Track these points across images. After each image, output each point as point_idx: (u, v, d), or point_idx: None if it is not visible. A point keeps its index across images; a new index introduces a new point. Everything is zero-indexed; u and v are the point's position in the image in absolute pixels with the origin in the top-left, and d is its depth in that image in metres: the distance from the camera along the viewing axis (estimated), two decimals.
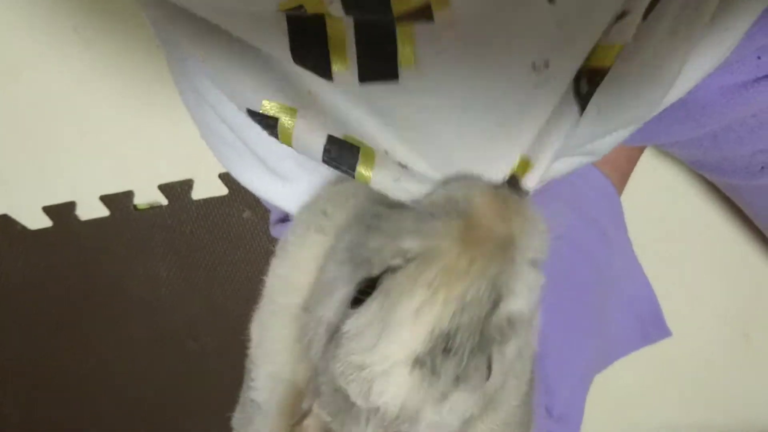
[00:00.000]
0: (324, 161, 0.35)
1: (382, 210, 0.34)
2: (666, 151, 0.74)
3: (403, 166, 0.35)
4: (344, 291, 0.32)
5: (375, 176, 0.35)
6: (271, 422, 0.36)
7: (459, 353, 0.29)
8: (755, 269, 0.77)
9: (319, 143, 0.35)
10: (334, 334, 0.32)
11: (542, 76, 0.31)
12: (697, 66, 0.38)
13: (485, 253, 0.29)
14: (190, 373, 0.92)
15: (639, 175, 0.73)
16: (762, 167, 0.53)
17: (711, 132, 0.52)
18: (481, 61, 0.31)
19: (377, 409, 0.30)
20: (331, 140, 0.35)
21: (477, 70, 0.31)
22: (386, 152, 0.35)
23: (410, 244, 0.30)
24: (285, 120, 0.35)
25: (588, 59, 0.32)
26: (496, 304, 0.30)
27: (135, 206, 0.87)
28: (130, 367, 0.93)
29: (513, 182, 0.35)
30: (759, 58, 0.46)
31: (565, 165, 0.41)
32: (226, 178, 0.82)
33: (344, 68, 0.32)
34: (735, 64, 0.46)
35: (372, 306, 0.30)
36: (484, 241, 0.30)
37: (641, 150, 0.72)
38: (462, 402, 0.30)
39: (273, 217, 0.70)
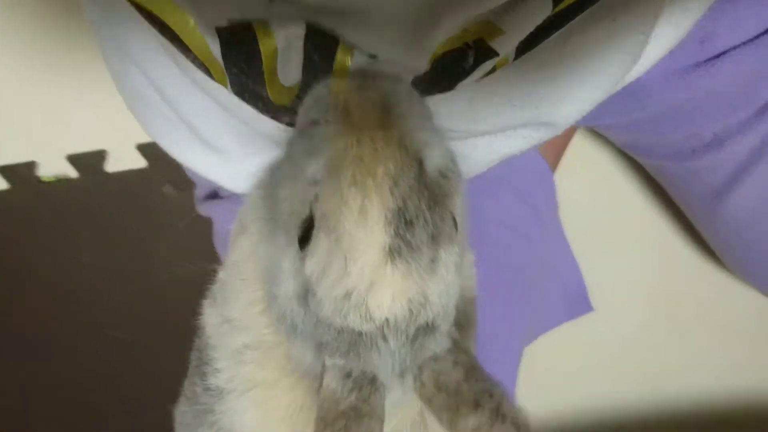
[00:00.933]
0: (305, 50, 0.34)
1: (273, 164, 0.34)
2: (594, 133, 0.76)
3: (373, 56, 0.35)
4: (289, 256, 0.31)
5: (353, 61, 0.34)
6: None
7: (419, 216, 0.29)
8: (677, 248, 0.81)
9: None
10: (307, 294, 0.31)
11: None
12: (657, 44, 0.38)
13: (375, 124, 0.29)
14: (116, 366, 0.85)
15: (568, 154, 0.74)
16: (693, 150, 0.55)
17: (650, 115, 0.53)
18: None
19: (388, 322, 0.29)
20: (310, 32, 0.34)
21: None
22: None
23: (313, 167, 0.30)
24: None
25: None
26: (420, 162, 0.30)
27: (39, 179, 0.79)
28: (47, 364, 0.85)
29: (480, 45, 0.35)
30: (701, 43, 0.47)
31: (525, 141, 0.40)
32: (145, 149, 0.76)
33: None
34: (678, 49, 0.47)
35: (319, 236, 0.29)
36: (366, 116, 0.30)
37: (574, 129, 0.74)
38: (450, 256, 0.30)
39: (200, 192, 0.66)
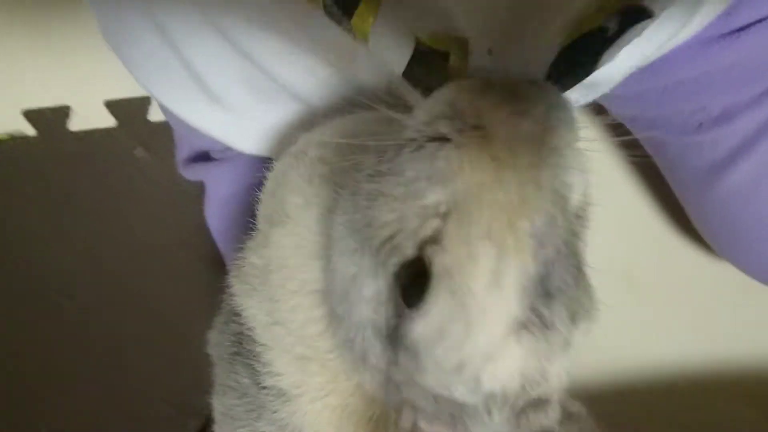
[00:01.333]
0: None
1: (368, 164, 0.27)
2: None
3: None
4: (375, 286, 0.26)
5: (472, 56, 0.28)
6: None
7: (563, 290, 0.24)
8: (636, 214, 0.82)
9: None
10: (391, 336, 0.26)
11: None
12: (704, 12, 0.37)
13: (526, 163, 0.23)
14: (64, 337, 0.79)
15: None
16: (700, 124, 0.55)
17: (662, 86, 0.53)
18: None
19: (496, 395, 0.25)
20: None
21: None
22: None
23: (434, 197, 0.24)
24: None
25: None
26: (564, 209, 0.24)
27: None
28: None
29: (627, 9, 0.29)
30: (727, 15, 0.47)
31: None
32: (114, 106, 0.70)
33: None
34: None
35: (439, 295, 0.24)
36: (515, 152, 0.23)
37: None
38: (583, 334, 0.26)
39: (182, 154, 0.61)
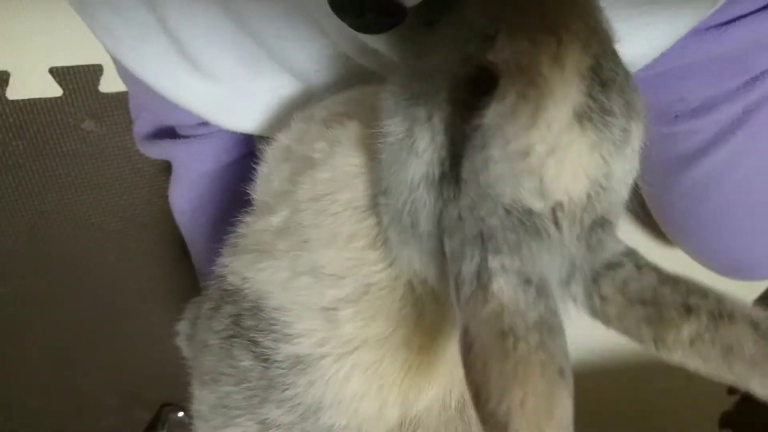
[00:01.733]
0: None
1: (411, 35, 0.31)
2: None
3: None
4: (430, 132, 0.28)
5: None
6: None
7: (615, 79, 0.26)
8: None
9: None
10: (447, 175, 0.27)
11: None
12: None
13: None
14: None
15: None
16: (677, 115, 0.56)
17: (648, 74, 0.53)
18: None
19: (562, 206, 0.25)
20: None
21: None
22: None
23: (479, 25, 0.27)
24: None
25: None
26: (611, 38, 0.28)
27: None
28: None
29: None
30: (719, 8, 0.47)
31: None
32: (61, 74, 0.63)
33: None
34: None
35: (508, 81, 0.25)
36: None
37: None
38: (639, 135, 0.28)
39: (142, 129, 0.57)
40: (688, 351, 0.24)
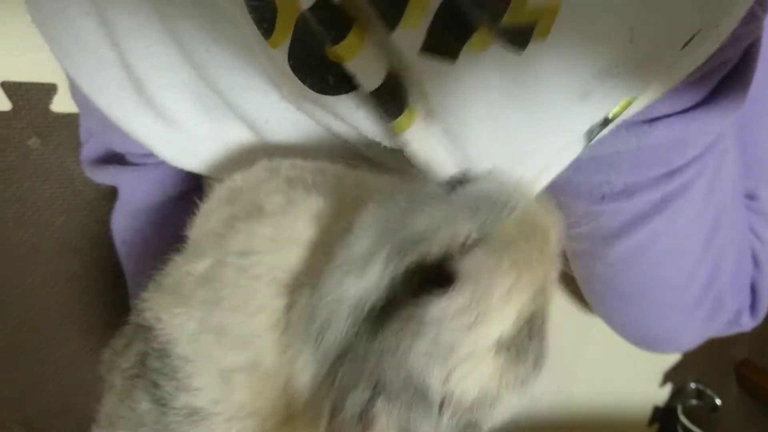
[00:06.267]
0: (374, 93, 0.33)
1: (420, 191, 0.34)
2: None
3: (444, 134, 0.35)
4: (381, 270, 0.30)
5: (414, 130, 0.34)
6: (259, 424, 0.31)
7: (539, 335, 0.31)
8: None
9: (380, 72, 0.32)
10: (374, 317, 0.30)
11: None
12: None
13: (545, 249, 0.32)
14: None
15: None
16: (603, 196, 0.61)
17: (582, 157, 0.58)
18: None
19: (452, 397, 0.29)
20: (390, 76, 0.32)
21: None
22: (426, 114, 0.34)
23: (466, 228, 0.31)
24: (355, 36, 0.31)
25: None
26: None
27: None
28: None
29: None
30: (647, 106, 0.52)
31: None
32: (13, 89, 0.62)
33: (412, 29, 0.29)
34: None
35: (465, 288, 0.29)
36: (542, 238, 0.32)
37: None
38: (534, 385, 0.31)
39: (91, 152, 0.57)
40: None
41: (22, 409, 0.76)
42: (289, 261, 0.33)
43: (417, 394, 0.29)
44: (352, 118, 0.35)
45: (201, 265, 0.35)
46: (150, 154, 0.51)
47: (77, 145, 0.66)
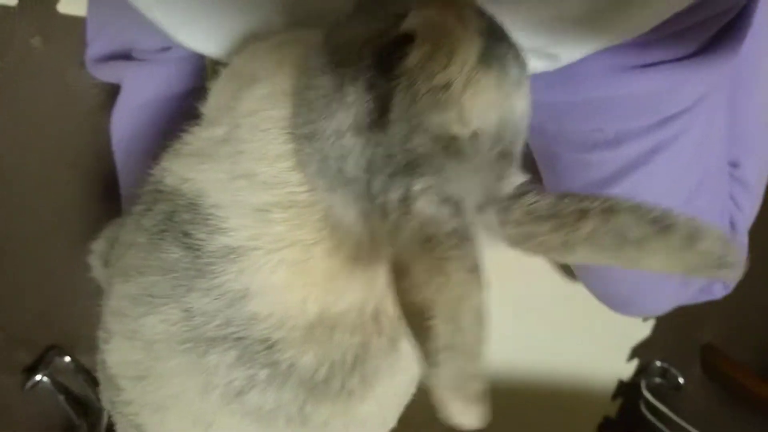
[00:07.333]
0: None
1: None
2: None
3: None
4: (355, 87, 0.32)
5: None
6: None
7: (506, 37, 0.33)
8: None
9: None
10: (374, 122, 0.31)
11: None
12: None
13: None
14: None
15: None
16: (594, 144, 0.62)
17: (574, 102, 0.59)
18: None
19: (477, 135, 0.30)
20: None
21: None
22: None
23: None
24: None
25: None
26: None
27: None
28: None
29: None
30: (642, 50, 0.53)
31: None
32: None
33: None
34: (622, 48, 0.53)
35: (426, 36, 0.31)
36: None
37: None
38: (528, 83, 0.34)
39: (97, 50, 0.57)
40: (587, 246, 0.29)
41: (2, 315, 0.76)
42: (287, 110, 0.36)
43: (447, 150, 0.31)
44: None
45: (219, 131, 0.38)
46: (158, 51, 0.52)
47: (78, 56, 0.66)
